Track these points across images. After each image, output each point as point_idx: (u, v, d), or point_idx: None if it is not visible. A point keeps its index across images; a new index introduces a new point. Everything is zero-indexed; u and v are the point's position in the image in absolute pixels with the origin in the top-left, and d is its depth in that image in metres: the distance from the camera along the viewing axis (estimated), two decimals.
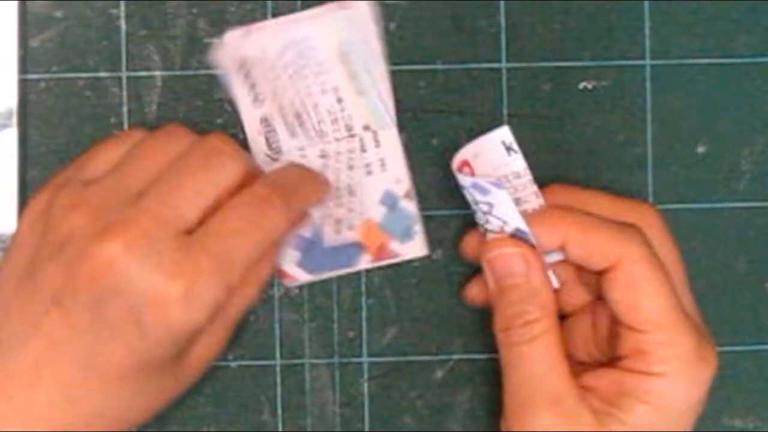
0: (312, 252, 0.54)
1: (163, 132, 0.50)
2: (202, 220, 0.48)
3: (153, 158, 0.49)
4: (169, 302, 0.47)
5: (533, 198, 0.51)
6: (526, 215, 0.49)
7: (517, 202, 0.50)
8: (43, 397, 0.47)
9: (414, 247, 0.55)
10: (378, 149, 0.54)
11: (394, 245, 0.55)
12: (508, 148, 0.50)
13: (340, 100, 0.54)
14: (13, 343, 0.48)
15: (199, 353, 0.50)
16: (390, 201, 0.54)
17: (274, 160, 0.54)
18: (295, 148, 0.54)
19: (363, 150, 0.54)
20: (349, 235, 0.54)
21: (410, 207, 0.54)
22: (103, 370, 0.47)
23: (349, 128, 0.54)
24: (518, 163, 0.50)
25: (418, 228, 0.55)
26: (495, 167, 0.50)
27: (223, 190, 0.49)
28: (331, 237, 0.54)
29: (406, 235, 0.54)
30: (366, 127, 0.54)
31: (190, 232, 0.48)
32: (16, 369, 0.47)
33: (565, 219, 0.49)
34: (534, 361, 0.49)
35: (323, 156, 0.54)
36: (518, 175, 0.51)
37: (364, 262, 0.55)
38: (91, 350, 0.47)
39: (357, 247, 0.54)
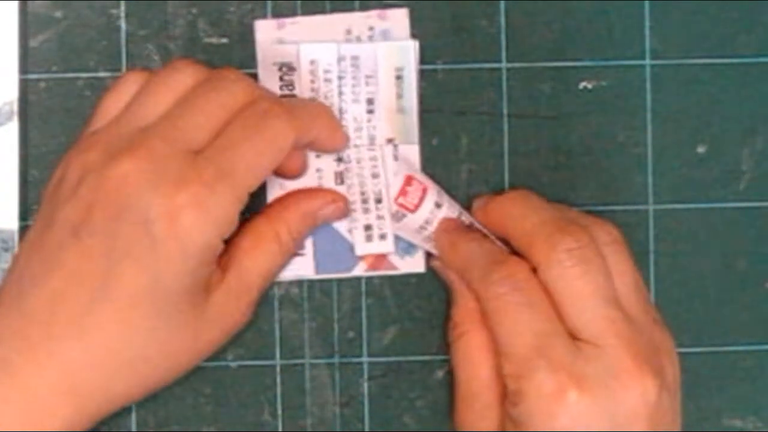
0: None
1: (168, 68, 0.51)
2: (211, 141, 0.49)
3: (160, 94, 0.50)
4: (178, 212, 0.47)
5: (465, 215, 0.54)
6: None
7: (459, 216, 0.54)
8: (56, 332, 0.48)
9: (412, 263, 0.55)
10: (396, 162, 0.54)
11: (394, 258, 0.54)
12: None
13: (370, 112, 0.54)
14: (32, 284, 0.48)
15: (219, 308, 0.50)
16: (398, 214, 0.54)
17: None
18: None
19: (383, 161, 0.54)
20: (383, 246, 0.54)
21: None
22: (116, 297, 0.47)
23: (371, 138, 0.54)
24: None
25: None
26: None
27: (231, 112, 0.49)
28: (362, 245, 0.54)
29: (407, 251, 0.54)
30: (390, 140, 0.54)
31: (199, 152, 0.49)
32: (32, 308, 0.48)
33: (456, 252, 0.52)
34: (456, 360, 0.53)
35: (339, 159, 0.54)
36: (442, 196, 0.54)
37: (360, 270, 0.55)
38: (104, 276, 0.47)
39: (355, 254, 0.54)
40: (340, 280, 0.55)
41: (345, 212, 0.54)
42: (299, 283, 0.55)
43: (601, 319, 0.49)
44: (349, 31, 0.54)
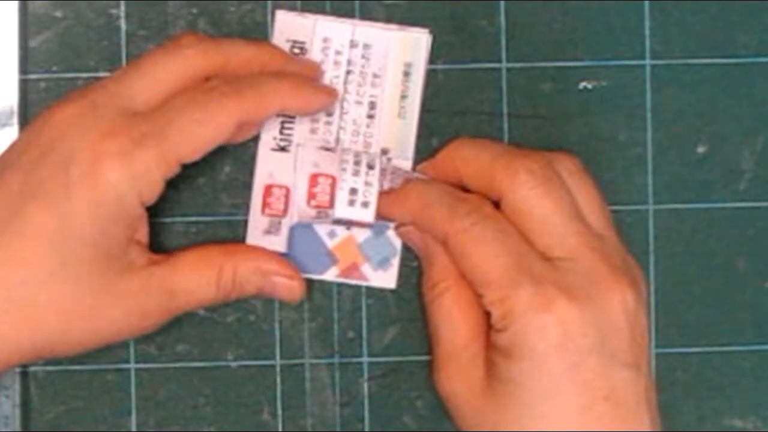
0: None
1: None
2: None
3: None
4: (98, 159, 0.48)
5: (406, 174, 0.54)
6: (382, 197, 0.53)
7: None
8: None
9: (384, 278, 0.55)
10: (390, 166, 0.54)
11: (366, 269, 0.54)
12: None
13: (370, 117, 0.54)
14: None
15: (131, 294, 0.49)
16: (378, 227, 0.54)
17: (281, 148, 0.54)
18: (304, 144, 0.54)
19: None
20: (363, 214, 0.53)
21: (395, 239, 0.54)
22: (19, 231, 0.48)
23: (366, 146, 0.54)
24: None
25: (396, 261, 0.54)
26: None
27: (181, 78, 0.50)
28: (343, 207, 0.53)
29: (381, 265, 0.54)
30: (384, 151, 0.54)
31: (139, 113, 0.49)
32: None
33: (405, 201, 0.52)
34: (438, 318, 0.52)
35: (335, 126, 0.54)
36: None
37: (331, 275, 0.54)
38: (14, 211, 0.48)
39: (329, 258, 0.54)
40: (361, 284, 0.55)
41: (296, 296, 0.52)
42: None
43: (572, 233, 0.49)
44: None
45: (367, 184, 0.53)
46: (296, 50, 0.54)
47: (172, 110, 0.49)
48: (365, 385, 0.55)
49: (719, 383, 0.55)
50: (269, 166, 0.54)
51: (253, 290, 0.52)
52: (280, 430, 0.55)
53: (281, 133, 0.54)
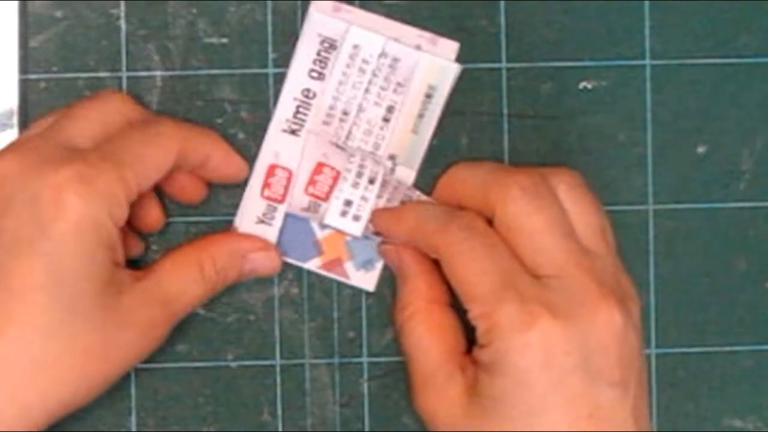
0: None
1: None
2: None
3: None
4: (62, 189, 0.47)
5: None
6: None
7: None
8: None
9: (365, 279, 0.55)
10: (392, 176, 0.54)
11: (349, 267, 0.54)
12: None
13: (385, 120, 0.54)
14: None
15: (133, 312, 0.49)
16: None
17: (291, 131, 0.54)
18: (315, 133, 0.54)
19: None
20: (352, 227, 0.53)
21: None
22: (15, 289, 0.47)
23: (375, 147, 0.54)
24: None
25: (380, 265, 0.55)
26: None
27: (112, 122, 0.50)
28: (333, 216, 0.53)
29: (364, 265, 0.54)
30: (391, 157, 0.54)
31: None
32: None
33: (402, 218, 0.52)
34: (409, 342, 0.52)
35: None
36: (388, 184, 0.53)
37: (313, 265, 0.55)
38: (1, 271, 0.47)
39: (315, 248, 0.54)
40: (339, 281, 0.55)
41: (275, 266, 0.53)
42: (299, 283, 0.55)
43: (561, 251, 0.49)
44: (396, 40, 0.54)
45: (363, 198, 0.53)
46: (325, 45, 0.54)
47: (119, 138, 0.49)
48: (365, 385, 0.55)
49: (719, 383, 0.55)
50: (276, 146, 0.54)
51: (235, 274, 0.52)
52: (280, 430, 0.55)
53: (295, 116, 0.54)
